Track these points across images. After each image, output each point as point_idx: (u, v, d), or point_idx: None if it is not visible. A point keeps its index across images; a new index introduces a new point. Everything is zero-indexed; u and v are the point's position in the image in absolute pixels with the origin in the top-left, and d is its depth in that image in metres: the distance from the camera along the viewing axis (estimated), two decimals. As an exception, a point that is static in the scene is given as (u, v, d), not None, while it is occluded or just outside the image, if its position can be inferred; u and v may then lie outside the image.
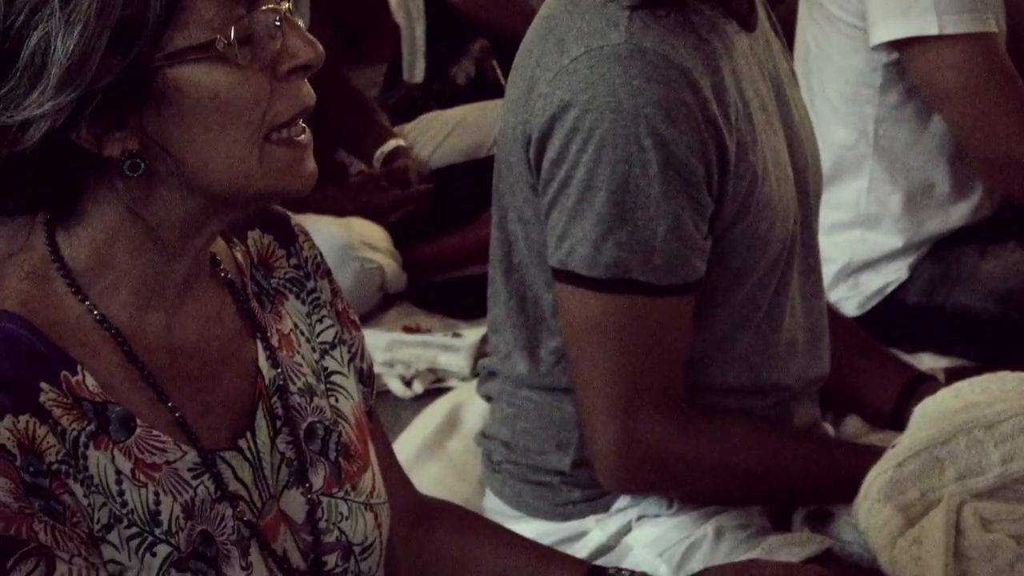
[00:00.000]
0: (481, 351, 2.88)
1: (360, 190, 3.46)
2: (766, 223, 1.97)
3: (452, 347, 3.02)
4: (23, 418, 1.28)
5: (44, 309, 1.34)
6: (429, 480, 1.89)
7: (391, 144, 3.61)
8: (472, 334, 3.05)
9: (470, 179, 3.52)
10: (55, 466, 1.29)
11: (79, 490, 1.30)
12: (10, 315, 1.32)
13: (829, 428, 2.23)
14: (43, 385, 1.30)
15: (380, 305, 3.30)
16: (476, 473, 2.21)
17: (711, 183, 1.91)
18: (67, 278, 1.35)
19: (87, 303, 1.35)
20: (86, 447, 1.31)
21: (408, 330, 3.19)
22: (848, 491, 1.89)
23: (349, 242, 3.18)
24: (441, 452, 2.31)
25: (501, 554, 1.66)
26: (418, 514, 1.67)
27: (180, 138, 1.31)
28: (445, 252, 3.43)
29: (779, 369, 2.05)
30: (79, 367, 1.33)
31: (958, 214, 2.84)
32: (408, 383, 2.99)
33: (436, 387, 2.97)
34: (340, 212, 3.29)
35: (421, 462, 2.23)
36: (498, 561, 1.65)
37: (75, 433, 1.31)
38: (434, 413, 2.40)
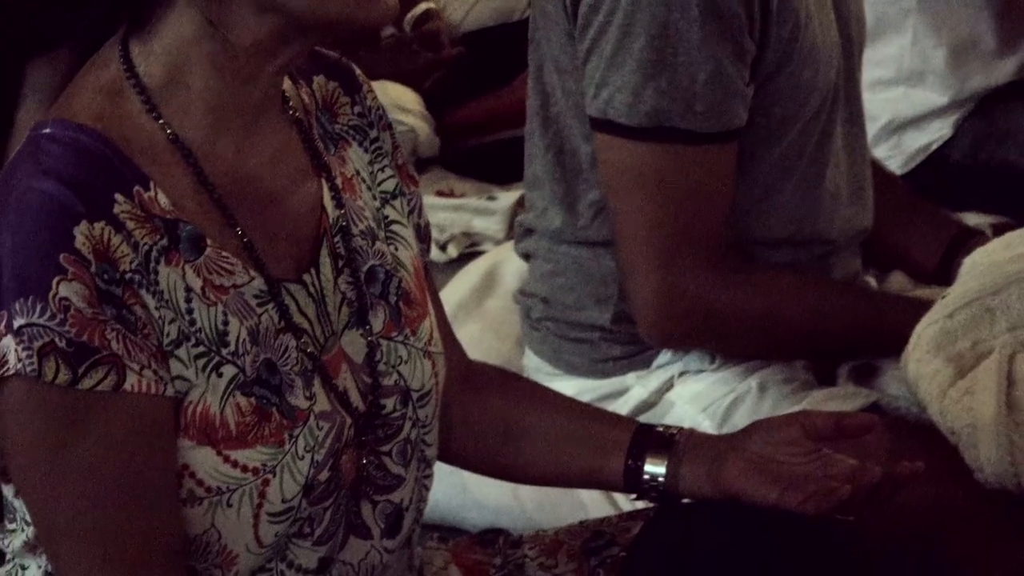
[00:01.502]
0: (516, 214, 2.84)
1: (392, 54, 3.41)
2: (809, 70, 1.92)
3: (487, 210, 2.99)
4: (98, 225, 1.27)
5: (118, 125, 1.33)
6: (467, 339, 1.85)
7: (421, 7, 3.56)
8: (507, 197, 3.01)
9: (503, 42, 3.46)
10: (128, 275, 1.29)
11: (151, 302, 1.30)
12: (85, 128, 1.31)
13: (872, 283, 2.20)
14: (117, 196, 1.30)
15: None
16: (515, 331, 2.18)
17: (753, 28, 1.85)
18: (142, 95, 1.34)
19: (160, 121, 1.34)
20: (157, 262, 1.31)
21: (441, 194, 3.15)
22: (896, 343, 1.86)
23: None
24: (479, 311, 2.28)
25: (549, 415, 1.64)
26: (466, 377, 1.66)
27: None
28: (478, 116, 3.38)
29: (822, 220, 2.01)
30: (151, 183, 1.32)
31: (1004, 70, 2.78)
32: (443, 247, 2.96)
33: (471, 251, 2.93)
34: (372, 76, 3.23)
35: (459, 321, 2.19)
36: (546, 423, 1.63)
37: (147, 247, 1.31)
38: (471, 273, 2.37)
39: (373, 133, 1.52)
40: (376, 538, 1.46)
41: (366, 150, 1.51)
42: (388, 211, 1.51)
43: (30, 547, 1.43)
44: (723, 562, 1.51)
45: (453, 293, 2.31)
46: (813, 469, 1.53)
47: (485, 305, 2.30)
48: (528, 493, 2.01)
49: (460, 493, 2.04)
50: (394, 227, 1.51)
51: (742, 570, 1.50)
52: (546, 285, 2.06)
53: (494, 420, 1.64)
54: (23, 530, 1.42)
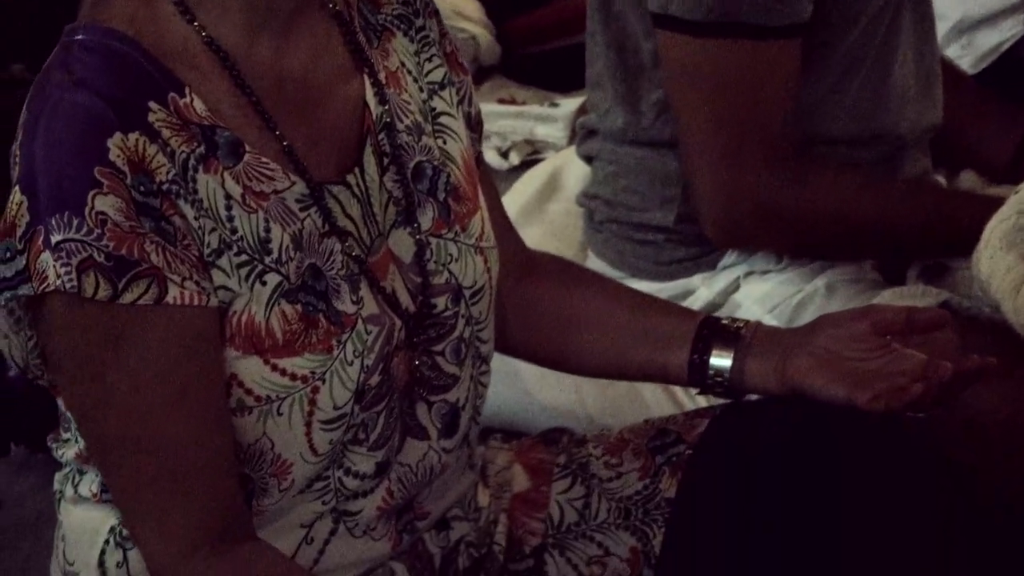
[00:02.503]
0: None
1: (452, -39, 3.38)
2: (875, -39, 1.87)
3: (549, 117, 2.95)
4: (132, 136, 1.25)
5: (151, 29, 1.30)
6: (529, 243, 1.83)
7: (480, -89, 3.52)
8: (569, 104, 2.97)
9: (563, -53, 3.41)
10: (165, 186, 1.26)
11: (189, 212, 1.28)
12: (117, 33, 1.29)
13: (942, 181, 2.15)
14: (151, 105, 1.27)
15: (474, 77, 3.22)
16: (578, 236, 2.16)
17: (818, -84, 1.81)
18: None
19: (195, 24, 1.31)
20: (195, 170, 1.29)
21: (503, 102, 3.11)
22: (967, 241, 1.81)
23: (441, 12, 3.10)
24: (541, 215, 2.26)
25: (611, 306, 1.61)
26: (525, 267, 1.64)
27: None
28: (540, 23, 3.33)
29: (890, 117, 1.96)
30: (187, 89, 1.30)
31: (1080, -37, 2.71)
32: (504, 155, 2.93)
33: (533, 159, 2.90)
34: (432, -17, 3.21)
35: (520, 227, 2.14)
36: (609, 313, 1.60)
37: (184, 155, 1.28)
38: (533, 178, 2.34)
39: (419, 21, 1.48)
40: (433, 439, 1.44)
41: (412, 40, 1.47)
42: (436, 103, 1.48)
43: (83, 459, 1.42)
44: (791, 460, 1.48)
45: (515, 199, 2.28)
46: (882, 365, 1.50)
47: (547, 210, 2.27)
48: (592, 396, 1.99)
49: (523, 398, 2.02)
50: (442, 119, 1.48)
51: (810, 468, 1.48)
52: (609, 187, 2.03)
53: (554, 310, 1.61)
54: (76, 441, 1.42)
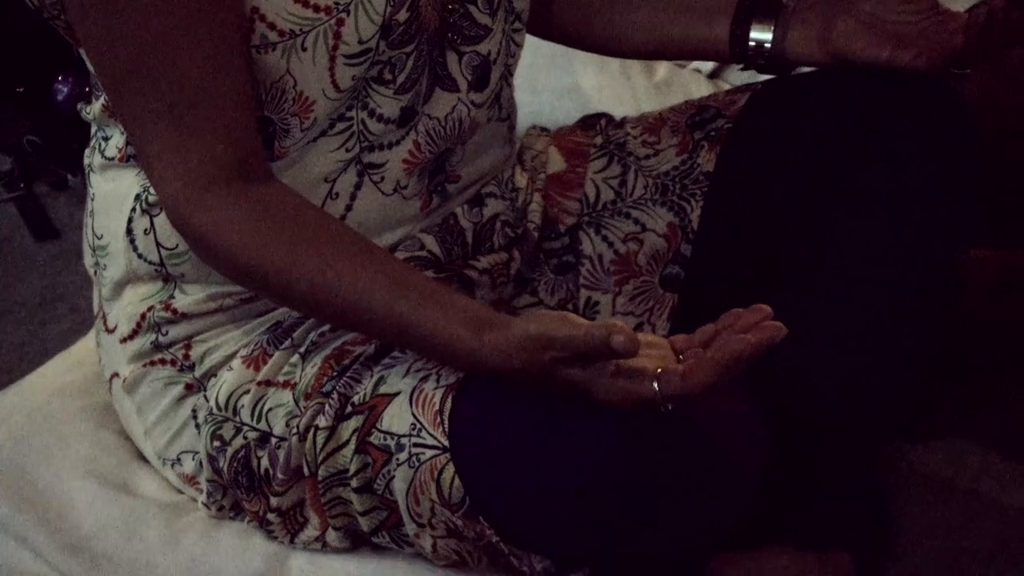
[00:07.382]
0: None
1: None
2: None
3: None
4: None
5: None
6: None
7: None
8: None
9: None
10: None
11: None
12: None
13: None
14: None
15: None
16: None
17: None
18: None
19: None
20: None
21: None
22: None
23: None
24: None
25: (654, 4, 1.55)
26: None
27: None
28: None
29: None
30: None
31: None
32: None
33: None
34: None
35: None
36: (651, 18, 1.55)
37: None
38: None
39: None
40: (463, 91, 1.41)
41: None
42: None
43: (109, 111, 1.40)
44: (832, 129, 1.45)
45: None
46: (928, 26, 1.45)
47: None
48: (651, 108, 1.95)
49: (583, 110, 1.99)
50: None
51: (852, 137, 1.44)
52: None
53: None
54: (103, 93, 1.40)
